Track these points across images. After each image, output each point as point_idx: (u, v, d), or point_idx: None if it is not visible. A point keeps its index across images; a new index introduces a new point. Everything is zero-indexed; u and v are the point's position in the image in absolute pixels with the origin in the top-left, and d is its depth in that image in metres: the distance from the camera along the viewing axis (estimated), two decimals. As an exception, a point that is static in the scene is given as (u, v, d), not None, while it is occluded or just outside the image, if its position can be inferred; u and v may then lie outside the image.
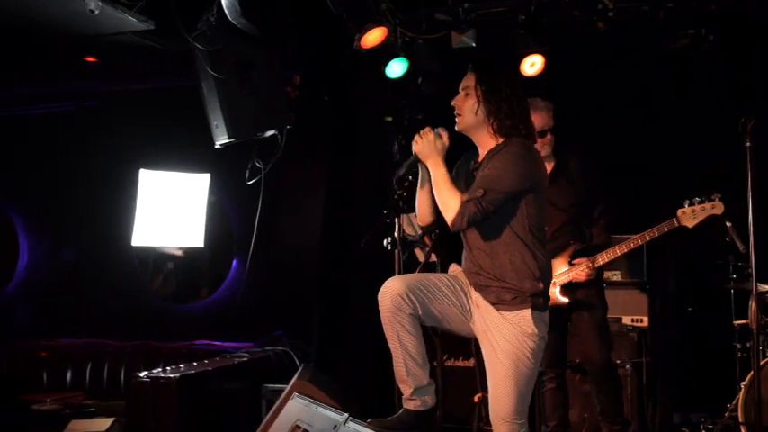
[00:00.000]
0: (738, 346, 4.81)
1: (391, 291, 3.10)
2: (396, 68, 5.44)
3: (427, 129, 3.23)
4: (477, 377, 5.48)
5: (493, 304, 3.13)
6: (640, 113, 5.77)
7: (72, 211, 6.76)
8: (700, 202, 4.13)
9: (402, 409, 3.21)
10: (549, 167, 4.50)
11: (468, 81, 3.25)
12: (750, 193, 3.47)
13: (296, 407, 3.52)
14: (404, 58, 5.42)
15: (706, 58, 5.13)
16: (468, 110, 3.21)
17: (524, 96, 3.25)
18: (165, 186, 5.43)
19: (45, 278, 6.94)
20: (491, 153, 3.19)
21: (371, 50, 5.27)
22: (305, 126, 5.28)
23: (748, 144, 3.45)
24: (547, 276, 3.21)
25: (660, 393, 5.19)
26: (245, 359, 5.23)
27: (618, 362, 4.90)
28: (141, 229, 5.29)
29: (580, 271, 4.38)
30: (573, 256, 4.43)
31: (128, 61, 5.65)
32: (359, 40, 4.53)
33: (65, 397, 5.37)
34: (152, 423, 4.42)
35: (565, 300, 4.41)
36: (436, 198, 3.19)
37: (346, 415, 3.14)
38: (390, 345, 3.16)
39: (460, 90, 3.28)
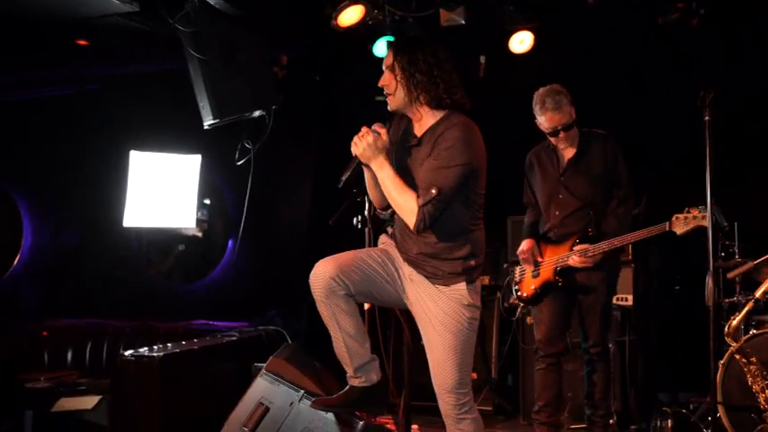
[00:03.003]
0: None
1: (322, 274, 3.09)
2: (383, 47, 5.42)
3: (364, 129, 3.16)
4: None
5: (428, 278, 3.14)
6: (632, 89, 5.70)
7: (73, 193, 6.84)
8: (696, 210, 4.03)
9: (347, 387, 3.22)
10: (570, 154, 4.48)
11: (388, 59, 3.22)
12: (708, 168, 3.41)
13: (262, 384, 3.57)
14: (392, 37, 5.40)
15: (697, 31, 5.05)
16: (394, 87, 3.17)
17: (449, 65, 3.19)
18: (156, 168, 5.48)
19: (49, 260, 7.04)
20: (430, 133, 3.16)
21: (360, 30, 5.31)
22: (295, 106, 5.29)
23: (707, 118, 3.39)
24: (480, 252, 3.21)
25: (642, 372, 5.15)
26: (234, 338, 5.26)
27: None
28: (133, 211, 5.35)
29: (576, 258, 4.33)
30: (579, 243, 4.37)
31: (118, 44, 5.70)
32: (335, 18, 4.51)
33: (59, 376, 5.43)
34: (136, 401, 4.47)
35: (557, 280, 4.39)
36: (390, 201, 3.17)
37: (302, 392, 3.18)
38: (328, 326, 3.16)
39: (384, 69, 3.23)
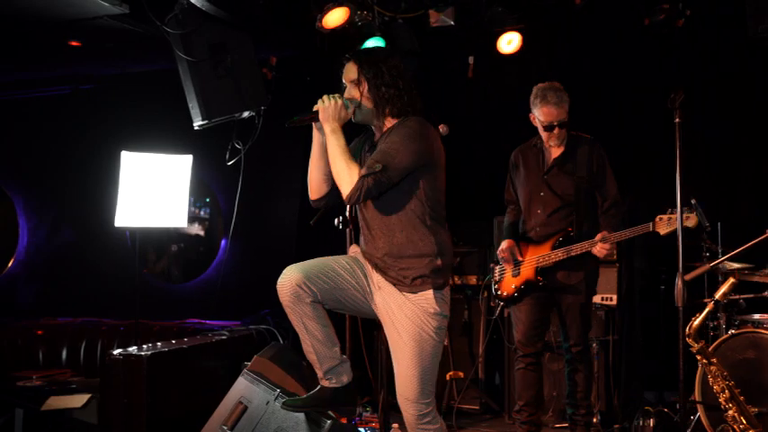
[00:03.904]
0: (711, 324, 4.78)
1: (289, 281, 3.11)
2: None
3: (338, 95, 3.16)
4: (450, 355, 5.55)
5: (394, 285, 3.13)
6: (620, 90, 5.73)
7: (68, 193, 6.92)
8: (688, 212, 3.98)
9: (318, 387, 3.25)
10: (557, 153, 4.49)
11: (352, 72, 3.20)
12: (678, 171, 3.43)
13: (242, 383, 3.60)
14: (380, 38, 5.42)
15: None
16: (356, 102, 3.17)
17: (408, 76, 3.21)
18: (147, 168, 5.51)
19: (45, 259, 7.11)
20: (386, 135, 3.17)
21: (350, 31, 5.34)
22: (285, 107, 5.31)
23: (677, 120, 3.40)
24: (446, 252, 3.19)
25: (626, 372, 5.17)
26: (224, 337, 5.29)
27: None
28: (124, 211, 5.38)
29: (555, 257, 4.36)
30: (561, 243, 4.41)
31: (110, 46, 5.76)
32: (320, 20, 4.54)
33: (52, 374, 5.49)
34: (124, 399, 4.49)
35: (538, 279, 4.40)
36: (332, 167, 3.12)
37: (277, 391, 3.21)
38: (297, 331, 3.18)
39: (347, 83, 3.23)
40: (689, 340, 3.13)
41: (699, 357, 3.17)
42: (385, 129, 3.21)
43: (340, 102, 3.12)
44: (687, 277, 3.06)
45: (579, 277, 4.41)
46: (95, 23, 5.21)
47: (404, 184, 3.11)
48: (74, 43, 5.76)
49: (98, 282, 6.81)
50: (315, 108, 3.16)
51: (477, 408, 5.58)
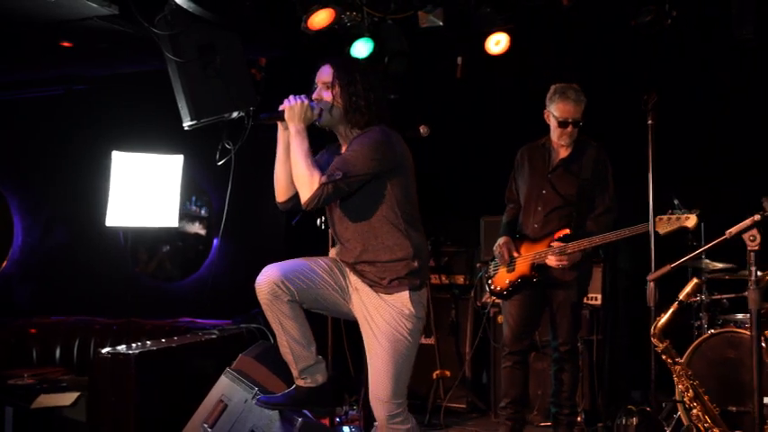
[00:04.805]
0: (697, 323, 4.81)
1: (267, 279, 3.13)
2: (361, 49, 5.46)
3: (305, 96, 3.17)
4: (437, 354, 5.58)
5: (371, 287, 3.16)
6: (609, 91, 5.74)
7: (62, 192, 6.96)
8: (678, 212, 4.07)
9: (293, 387, 3.28)
10: (564, 154, 4.54)
11: (326, 75, 3.23)
12: (651, 173, 3.45)
13: (224, 382, 3.64)
14: (369, 39, 5.45)
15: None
16: (326, 105, 3.20)
17: (381, 88, 3.26)
18: (138, 168, 5.56)
19: (39, 258, 7.15)
20: (350, 144, 3.20)
21: (340, 32, 5.37)
22: (275, 107, 5.35)
23: (650, 122, 3.42)
24: (421, 254, 3.21)
25: (610, 371, 5.20)
26: (213, 336, 5.33)
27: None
28: (115, 210, 5.42)
29: (551, 256, 4.39)
30: (556, 240, 4.44)
31: (102, 46, 5.79)
32: (305, 21, 4.57)
33: (43, 372, 5.53)
34: (112, 397, 4.54)
35: (533, 275, 4.45)
36: (293, 169, 3.14)
37: (255, 390, 3.24)
38: (274, 329, 3.22)
39: (318, 83, 3.26)
40: (654, 340, 3.16)
41: (664, 357, 3.20)
42: (347, 137, 3.25)
43: (306, 102, 3.14)
44: (650, 278, 3.09)
45: (573, 275, 4.45)
46: (86, 24, 5.24)
47: (373, 192, 3.15)
48: (65, 44, 5.80)
49: (92, 281, 6.85)
50: (281, 108, 3.18)
51: (464, 406, 5.62)
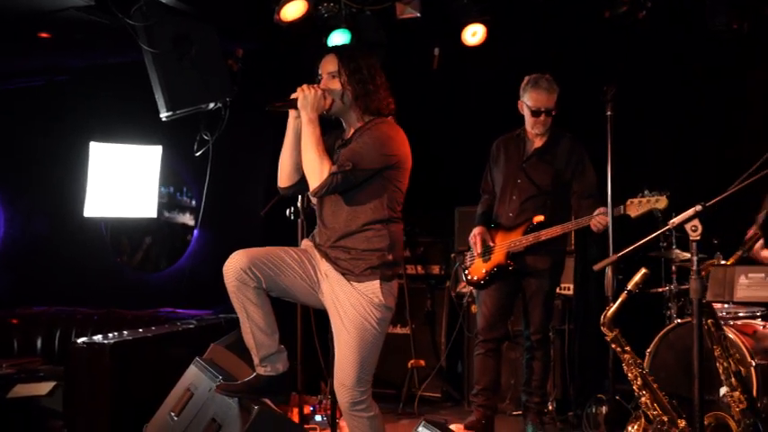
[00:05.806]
0: (668, 313, 4.86)
1: (234, 265, 3.14)
2: (338, 40, 5.47)
3: (317, 86, 3.21)
4: (412, 344, 5.62)
5: (343, 275, 3.18)
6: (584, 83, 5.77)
7: (43, 183, 6.95)
8: (649, 195, 4.11)
9: (253, 374, 3.31)
10: (539, 143, 4.60)
11: (331, 65, 3.27)
12: (609, 164, 3.48)
13: (192, 371, 3.66)
14: (346, 30, 5.47)
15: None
16: (336, 93, 3.23)
17: (384, 75, 3.29)
18: (117, 158, 5.58)
19: (21, 249, 7.15)
20: (359, 130, 3.25)
21: (318, 23, 5.38)
22: (252, 98, 5.36)
23: (609, 113, 3.45)
24: (397, 247, 3.26)
25: (581, 360, 5.24)
26: (191, 326, 5.35)
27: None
28: (93, 201, 5.45)
29: (526, 242, 4.45)
30: (531, 229, 4.48)
31: (80, 37, 5.79)
32: (277, 12, 4.58)
33: (21, 362, 5.55)
34: (88, 387, 4.57)
35: (508, 263, 4.49)
36: (303, 157, 3.17)
37: (219, 378, 3.27)
38: (238, 315, 3.24)
39: (324, 74, 3.28)
40: (603, 329, 3.19)
41: (613, 346, 3.24)
42: (359, 125, 3.28)
43: (320, 91, 3.18)
44: (596, 267, 3.13)
45: (547, 263, 4.52)
46: (63, 15, 5.25)
47: (369, 184, 3.19)
48: (43, 35, 5.80)
49: (74, 272, 6.85)
50: (293, 96, 3.20)
51: (438, 395, 5.66)
